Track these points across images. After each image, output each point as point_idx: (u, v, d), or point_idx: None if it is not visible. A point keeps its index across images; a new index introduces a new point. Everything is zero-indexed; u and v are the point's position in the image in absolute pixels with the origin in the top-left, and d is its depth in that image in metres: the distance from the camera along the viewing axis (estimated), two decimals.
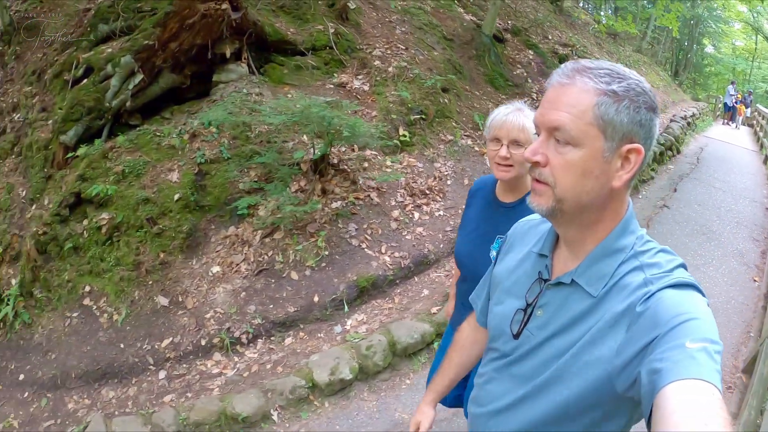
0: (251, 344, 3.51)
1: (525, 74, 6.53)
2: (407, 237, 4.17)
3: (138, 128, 4.24)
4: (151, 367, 3.40)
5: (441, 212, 4.47)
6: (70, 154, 3.99)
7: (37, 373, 3.62)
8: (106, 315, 3.59)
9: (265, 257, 3.82)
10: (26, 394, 3.51)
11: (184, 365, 3.43)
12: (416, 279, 4.08)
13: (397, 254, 4.04)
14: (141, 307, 3.52)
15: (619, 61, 7.81)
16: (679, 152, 8.65)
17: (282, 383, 2.92)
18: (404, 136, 4.89)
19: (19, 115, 4.60)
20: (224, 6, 4.04)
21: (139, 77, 4.04)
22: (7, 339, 3.93)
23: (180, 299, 3.66)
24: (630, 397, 0.77)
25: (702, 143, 10.73)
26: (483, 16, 6.63)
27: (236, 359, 3.44)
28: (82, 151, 3.93)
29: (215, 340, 3.45)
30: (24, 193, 4.17)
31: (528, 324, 0.91)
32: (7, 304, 3.81)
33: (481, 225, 1.59)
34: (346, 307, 3.64)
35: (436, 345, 3.37)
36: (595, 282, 0.83)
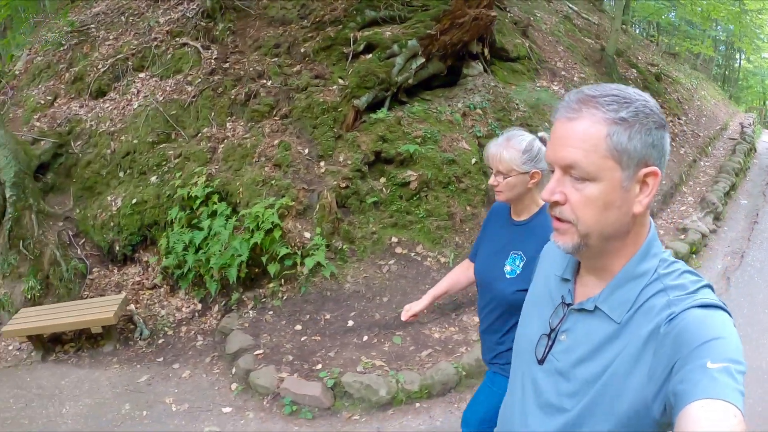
0: None
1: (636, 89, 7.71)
2: None
3: (407, 104, 4.74)
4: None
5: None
6: (361, 118, 4.34)
7: (369, 317, 3.76)
8: (430, 259, 3.93)
9: None
10: (365, 338, 3.69)
11: None
12: None
13: None
14: (466, 249, 3.93)
15: (689, 77, 9.35)
16: (755, 150, 9.35)
17: None
18: None
19: (271, 81, 4.78)
20: (492, 13, 4.81)
21: (421, 60, 4.59)
22: (302, 292, 4.04)
23: None
24: (667, 423, 0.76)
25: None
26: (594, 40, 7.85)
27: None
28: (381, 115, 4.29)
29: None
30: (306, 150, 4.37)
31: (552, 349, 0.91)
32: (310, 255, 3.95)
33: (497, 242, 1.71)
34: None
35: None
36: (618, 308, 0.82)
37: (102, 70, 5.74)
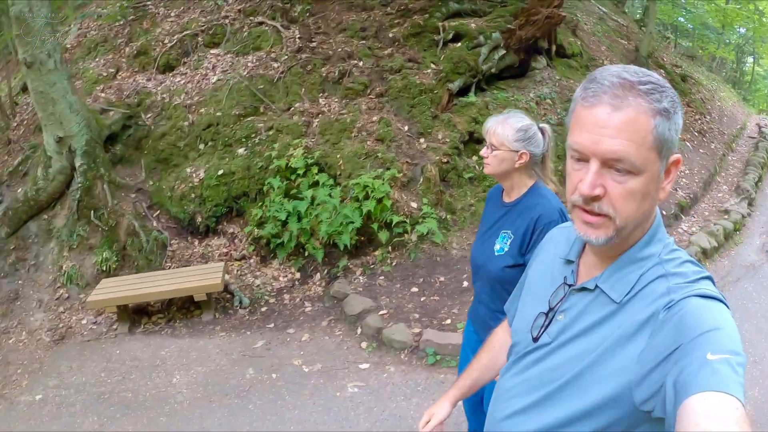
0: None
1: None
2: None
3: (486, 91, 5.00)
4: None
5: None
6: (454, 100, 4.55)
7: None
8: None
9: None
10: None
11: None
12: None
13: None
14: None
15: (708, 78, 9.87)
16: None
17: None
18: None
19: (362, 62, 4.89)
20: (562, 12, 5.20)
21: (502, 51, 4.88)
22: (412, 258, 4.14)
23: None
24: (646, 412, 0.74)
25: None
26: (626, 41, 8.38)
27: None
28: (472, 99, 4.52)
29: None
30: (406, 128, 4.49)
31: (548, 328, 0.91)
32: (420, 223, 4.07)
33: (489, 223, 1.80)
34: None
35: None
36: (619, 288, 0.82)
37: (169, 45, 5.67)
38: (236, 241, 4.64)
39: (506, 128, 1.64)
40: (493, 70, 4.91)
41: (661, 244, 0.84)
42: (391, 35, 5.02)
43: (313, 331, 3.76)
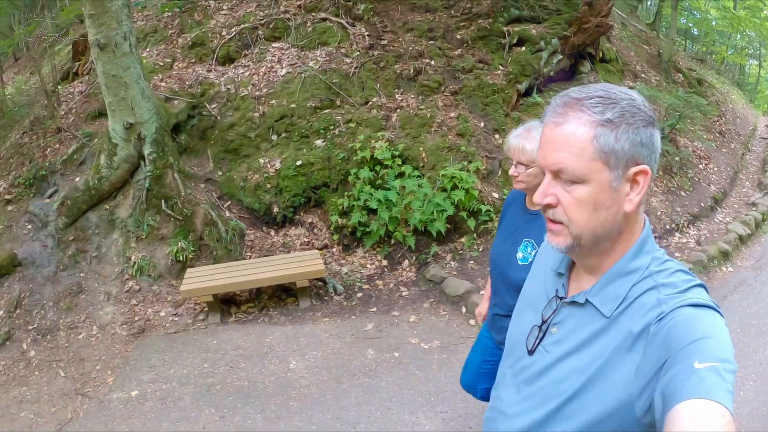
0: None
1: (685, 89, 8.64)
2: None
3: (543, 92, 5.29)
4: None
5: None
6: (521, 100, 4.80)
7: None
8: None
9: None
10: None
11: None
12: None
13: None
14: None
15: (719, 81, 10.46)
16: None
17: None
18: None
19: (434, 61, 5.04)
20: (610, 22, 5.61)
21: (560, 56, 5.21)
22: None
23: None
24: (648, 423, 0.75)
25: None
26: (647, 46, 8.75)
27: None
28: (537, 99, 4.80)
29: None
30: (482, 124, 4.68)
31: (543, 341, 0.92)
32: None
33: (512, 230, 1.78)
34: None
35: None
36: (609, 302, 0.83)
37: (228, 37, 5.62)
38: (315, 230, 4.65)
39: (533, 143, 1.63)
40: (551, 74, 5.24)
41: (649, 256, 0.84)
42: (458, 37, 5.24)
43: (418, 313, 3.84)
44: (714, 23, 11.46)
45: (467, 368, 2.11)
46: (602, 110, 0.76)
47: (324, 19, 5.51)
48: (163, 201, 4.63)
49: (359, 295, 4.13)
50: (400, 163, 4.48)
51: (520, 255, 1.68)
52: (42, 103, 5.64)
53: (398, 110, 4.79)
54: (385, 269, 4.33)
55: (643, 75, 7.05)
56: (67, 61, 6.65)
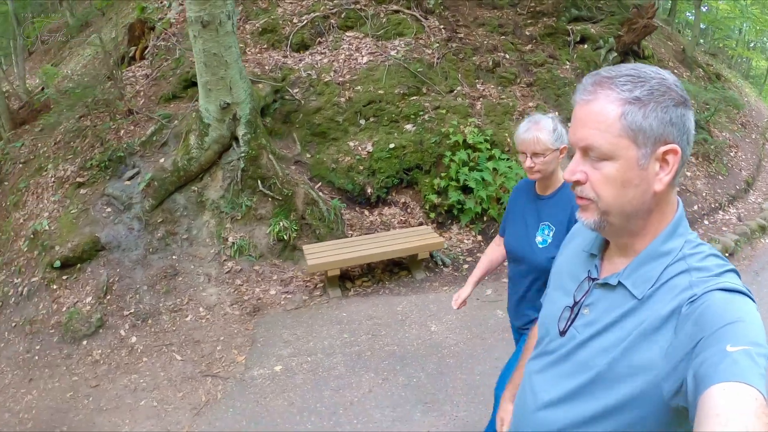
0: None
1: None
2: None
3: None
4: None
5: None
6: None
7: None
8: None
9: None
10: None
11: None
12: None
13: None
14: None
15: (733, 75, 10.93)
16: None
17: None
18: None
19: (508, 54, 5.35)
20: (655, 23, 6.19)
21: (614, 54, 5.70)
22: None
23: None
24: (675, 407, 0.75)
25: None
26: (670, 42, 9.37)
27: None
28: None
29: None
30: (557, 113, 5.03)
31: (575, 322, 0.92)
32: None
33: (526, 217, 1.82)
34: None
35: None
36: (641, 284, 0.83)
37: (300, 25, 5.68)
38: (409, 209, 4.82)
39: (545, 133, 1.69)
40: None
41: (682, 239, 0.84)
42: (528, 33, 5.61)
43: None
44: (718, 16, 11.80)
45: (502, 379, 2.00)
46: (631, 88, 0.77)
47: (397, 11, 5.72)
48: (259, 181, 4.64)
49: (465, 266, 4.35)
50: (488, 147, 4.76)
51: (539, 239, 1.73)
52: (102, 88, 5.45)
53: (481, 99, 5.07)
54: (481, 243, 4.58)
55: (675, 71, 7.72)
56: (113, 45, 6.43)
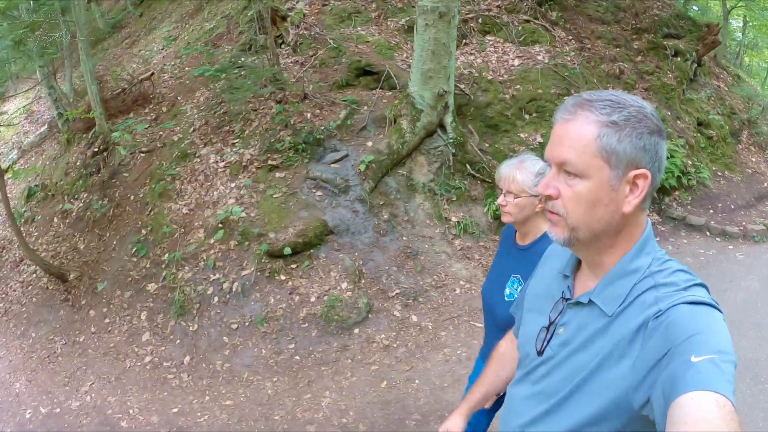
0: None
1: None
2: None
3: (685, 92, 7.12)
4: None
5: None
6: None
7: None
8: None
9: None
10: None
11: None
12: None
13: None
14: None
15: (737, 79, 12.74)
16: None
17: None
18: None
19: (624, 64, 6.31)
20: (720, 38, 7.72)
21: (695, 65, 7.09)
22: (698, 194, 5.89)
23: None
24: (646, 416, 0.79)
25: None
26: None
27: None
28: (694, 96, 6.54)
29: None
30: (669, 113, 6.10)
31: (551, 341, 0.96)
32: (700, 172, 5.91)
33: (500, 266, 1.80)
34: None
35: None
36: (611, 302, 0.87)
37: None
38: None
39: (525, 174, 1.63)
40: (691, 77, 7.16)
41: (649, 257, 0.88)
42: (636, 46, 6.73)
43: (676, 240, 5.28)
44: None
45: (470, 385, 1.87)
46: (609, 112, 0.82)
47: (527, 21, 6.42)
48: (467, 165, 4.93)
49: None
50: None
51: (507, 291, 1.70)
52: (266, 74, 5.22)
53: None
54: None
55: (712, 70, 9.48)
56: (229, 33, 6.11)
